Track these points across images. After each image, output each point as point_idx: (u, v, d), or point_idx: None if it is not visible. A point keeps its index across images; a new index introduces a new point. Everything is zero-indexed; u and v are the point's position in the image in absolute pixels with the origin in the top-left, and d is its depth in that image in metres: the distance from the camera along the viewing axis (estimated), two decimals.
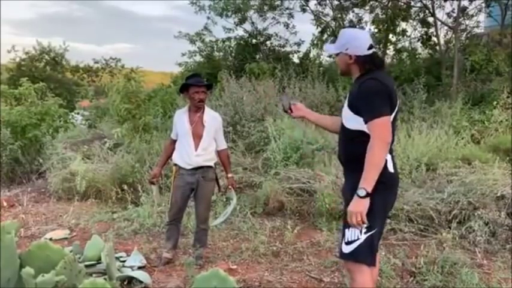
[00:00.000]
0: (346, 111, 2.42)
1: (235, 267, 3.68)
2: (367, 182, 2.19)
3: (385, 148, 2.23)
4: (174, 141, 3.81)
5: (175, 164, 3.76)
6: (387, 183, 2.34)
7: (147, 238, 4.40)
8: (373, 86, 2.28)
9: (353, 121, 2.36)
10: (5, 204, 5.90)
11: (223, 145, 3.85)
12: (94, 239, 3.39)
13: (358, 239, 2.32)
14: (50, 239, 4.43)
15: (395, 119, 2.36)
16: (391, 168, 2.36)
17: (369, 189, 2.19)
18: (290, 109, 2.77)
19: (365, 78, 2.34)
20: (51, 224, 4.99)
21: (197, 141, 3.63)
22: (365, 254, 2.33)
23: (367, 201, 2.21)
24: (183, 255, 3.90)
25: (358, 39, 2.42)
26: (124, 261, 3.64)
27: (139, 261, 3.65)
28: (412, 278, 3.49)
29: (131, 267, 3.50)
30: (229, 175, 3.89)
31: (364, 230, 2.31)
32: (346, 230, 2.37)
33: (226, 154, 3.89)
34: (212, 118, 3.74)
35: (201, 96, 3.64)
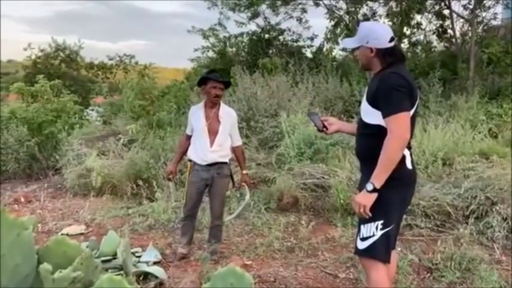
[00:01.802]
0: (364, 105, 2.37)
1: (249, 262, 3.68)
2: (378, 177, 2.18)
3: (401, 145, 2.18)
4: (189, 137, 3.80)
5: (190, 160, 3.76)
6: (405, 179, 2.32)
7: (162, 233, 4.43)
8: (394, 80, 2.22)
9: (372, 115, 2.31)
10: (22, 200, 6.00)
11: (238, 141, 3.84)
12: (110, 235, 3.41)
13: (373, 235, 2.30)
14: (67, 234, 4.49)
15: (414, 115, 2.31)
16: (409, 165, 2.32)
17: (378, 185, 2.17)
18: (325, 126, 2.70)
19: (386, 72, 2.28)
20: (68, 220, 5.05)
21: (213, 137, 3.63)
22: (380, 251, 2.31)
23: (374, 195, 2.19)
24: (198, 250, 3.91)
25: (379, 32, 2.36)
26: (139, 257, 3.67)
27: (155, 256, 3.67)
28: (429, 274, 3.45)
29: (147, 262, 3.53)
30: (244, 171, 3.88)
31: (380, 227, 2.29)
32: (362, 226, 2.35)
33: (241, 150, 3.88)
34: (227, 114, 3.73)
35: (217, 91, 3.64)
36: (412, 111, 2.26)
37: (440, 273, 3.41)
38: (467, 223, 4.22)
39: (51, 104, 8.43)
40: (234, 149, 3.81)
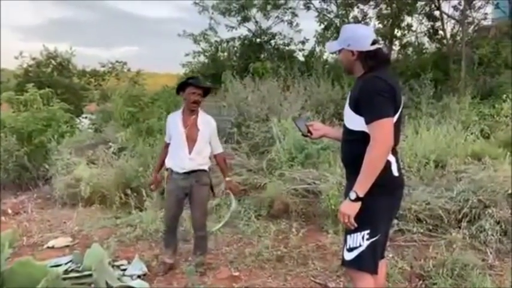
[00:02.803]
0: (347, 111, 2.31)
1: (237, 274, 3.60)
2: (361, 185, 2.12)
3: (384, 152, 2.13)
4: (168, 145, 3.72)
5: (167, 169, 3.68)
6: (391, 186, 2.26)
7: (150, 244, 4.34)
8: (376, 85, 2.15)
9: (355, 121, 2.25)
10: (9, 211, 5.89)
11: (219, 149, 3.74)
12: (93, 248, 3.32)
13: (360, 245, 2.24)
14: (52, 247, 4.40)
15: (399, 120, 2.24)
16: (395, 171, 2.26)
17: (361, 194, 2.12)
18: (309, 131, 2.65)
19: (368, 76, 2.22)
20: (55, 231, 4.95)
21: (191, 145, 3.54)
22: (367, 262, 2.25)
23: (358, 204, 2.14)
24: (185, 262, 3.83)
25: (360, 34, 2.31)
26: (124, 270, 3.58)
27: (140, 269, 3.58)
28: (420, 282, 3.39)
29: (131, 276, 3.44)
30: (227, 179, 3.79)
31: (366, 237, 2.23)
32: (348, 236, 2.29)
33: (223, 158, 3.80)
34: (207, 122, 3.65)
35: (196, 97, 3.54)
36: (396, 117, 2.19)
37: (432, 280, 3.34)
38: (459, 227, 4.17)
39: (41, 113, 8.35)
40: (215, 157, 3.73)
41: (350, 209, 2.14)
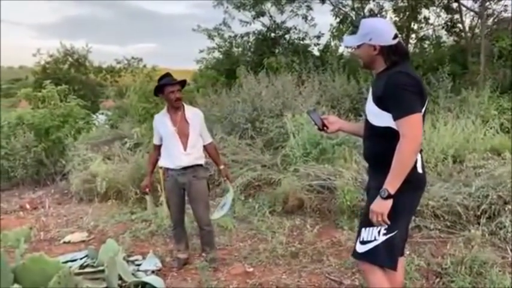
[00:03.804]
0: (372, 107, 2.25)
1: (251, 269, 3.58)
2: (392, 183, 2.07)
3: (415, 148, 2.08)
4: (158, 147, 3.70)
5: (161, 167, 3.68)
6: (415, 183, 2.21)
7: (164, 240, 4.36)
8: (402, 80, 2.10)
9: (380, 117, 2.20)
10: (28, 206, 5.99)
11: (209, 139, 3.78)
12: (108, 243, 3.35)
13: (375, 239, 2.21)
14: (68, 242, 4.46)
15: (423, 115, 2.18)
16: (419, 169, 2.22)
17: (392, 191, 2.08)
18: (324, 125, 2.56)
19: (392, 72, 2.16)
20: (71, 226, 5.02)
21: (184, 140, 3.55)
22: (383, 256, 2.22)
23: (390, 202, 2.10)
24: (199, 257, 3.82)
25: (382, 28, 2.25)
26: (139, 265, 3.60)
27: (154, 264, 3.60)
28: (438, 279, 3.31)
29: (146, 271, 3.46)
30: (221, 166, 3.81)
31: (383, 232, 2.20)
32: (363, 229, 2.27)
33: (214, 147, 3.84)
34: (195, 114, 3.67)
35: (176, 95, 3.53)
36: (422, 111, 2.15)
37: (450, 278, 3.27)
38: (478, 223, 4.07)
39: (58, 109, 8.46)
40: (206, 148, 3.74)
41: (382, 207, 2.10)
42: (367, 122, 2.31)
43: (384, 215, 2.12)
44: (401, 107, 2.08)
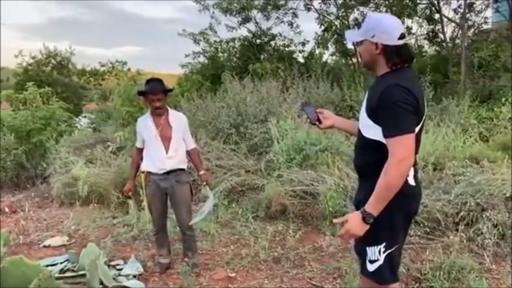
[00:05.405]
0: (363, 117, 2.10)
1: (233, 274, 3.59)
2: (375, 207, 1.93)
3: (404, 171, 1.92)
4: (141, 150, 3.68)
5: (143, 172, 3.66)
6: (407, 199, 2.06)
7: (146, 244, 4.33)
8: (399, 96, 1.90)
9: (371, 130, 2.05)
10: (7, 210, 5.88)
11: (192, 144, 3.77)
12: (89, 247, 3.32)
13: (377, 259, 2.10)
14: (49, 246, 4.39)
15: (421, 130, 2.04)
16: (411, 181, 2.06)
17: (376, 214, 1.95)
18: (318, 120, 2.41)
19: (390, 83, 1.95)
20: (52, 230, 4.94)
21: (167, 144, 3.53)
22: (386, 274, 2.12)
23: (367, 226, 1.97)
24: (181, 262, 3.80)
25: (387, 25, 2.02)
26: (121, 270, 3.57)
27: (136, 269, 3.58)
28: (417, 285, 3.37)
29: (127, 276, 3.43)
30: (202, 172, 3.78)
31: (382, 250, 2.08)
32: (368, 249, 2.13)
33: (197, 152, 3.83)
34: (178, 118, 3.66)
35: (156, 104, 3.50)
36: (418, 128, 1.99)
37: (429, 283, 3.32)
38: (457, 230, 4.14)
39: (40, 112, 8.33)
40: (189, 153, 3.73)
41: (360, 230, 1.96)
42: (359, 132, 2.16)
43: (354, 236, 2.02)
44: (394, 126, 1.92)
